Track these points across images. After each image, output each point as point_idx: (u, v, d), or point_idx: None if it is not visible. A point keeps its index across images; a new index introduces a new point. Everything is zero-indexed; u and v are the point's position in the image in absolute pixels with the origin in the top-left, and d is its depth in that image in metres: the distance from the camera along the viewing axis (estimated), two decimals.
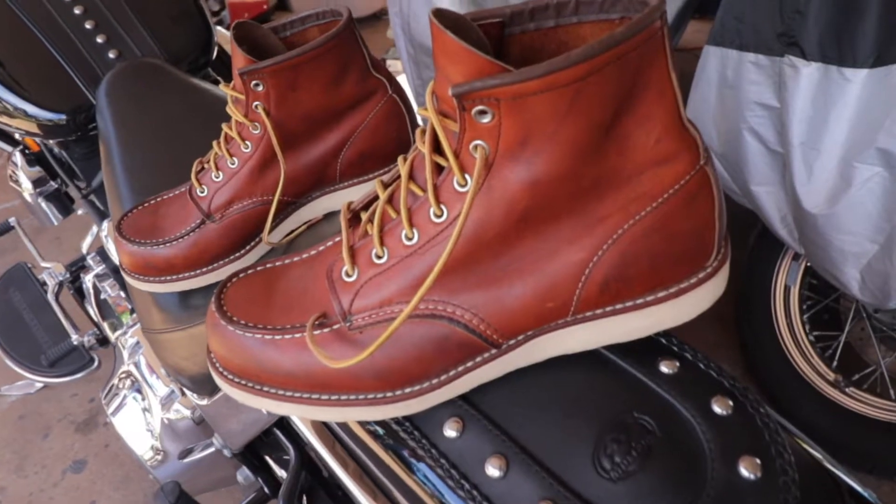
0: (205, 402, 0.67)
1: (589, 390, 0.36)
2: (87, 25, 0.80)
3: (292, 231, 0.61)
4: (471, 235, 0.32)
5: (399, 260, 0.34)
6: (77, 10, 0.80)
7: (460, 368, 0.36)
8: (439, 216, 0.33)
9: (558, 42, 0.34)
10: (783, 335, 1.15)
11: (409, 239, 0.34)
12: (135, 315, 0.98)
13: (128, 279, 0.61)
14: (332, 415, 0.37)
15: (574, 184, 0.31)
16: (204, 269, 0.59)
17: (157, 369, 0.88)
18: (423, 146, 0.34)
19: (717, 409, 0.35)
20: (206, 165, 0.59)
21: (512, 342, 0.35)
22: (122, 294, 1.06)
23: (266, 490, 0.82)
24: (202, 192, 0.58)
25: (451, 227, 0.32)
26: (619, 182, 0.31)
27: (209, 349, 0.41)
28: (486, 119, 0.29)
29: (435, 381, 0.36)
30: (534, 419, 0.35)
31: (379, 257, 0.35)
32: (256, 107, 0.53)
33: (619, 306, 0.35)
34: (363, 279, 0.35)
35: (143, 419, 0.88)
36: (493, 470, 0.34)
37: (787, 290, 1.17)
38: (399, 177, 0.37)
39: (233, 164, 0.56)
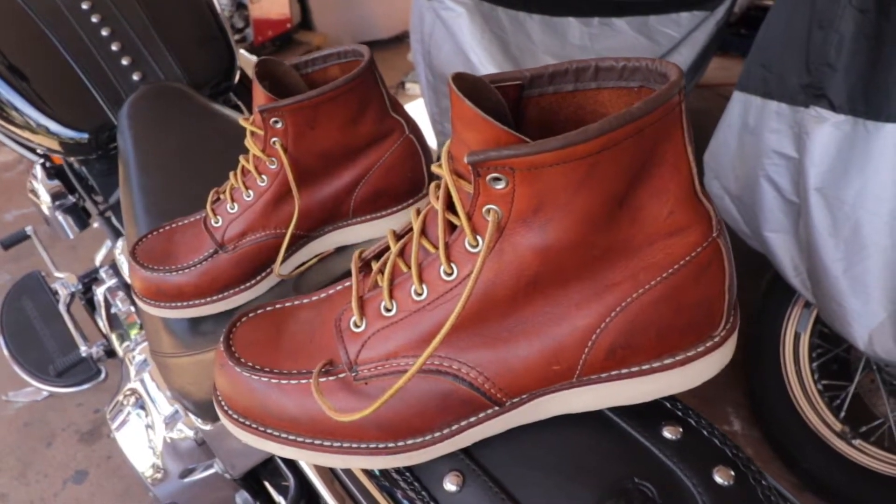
0: (208, 427, 0.67)
1: (591, 452, 0.36)
2: (114, 48, 0.82)
3: (302, 264, 0.62)
4: (480, 296, 0.32)
5: (408, 314, 0.34)
6: (105, 32, 0.82)
7: (462, 423, 0.36)
8: (449, 274, 0.33)
9: (576, 106, 0.35)
10: (791, 382, 1.14)
11: (419, 294, 0.34)
12: (143, 332, 0.99)
13: (139, 303, 0.62)
14: (335, 461, 0.38)
15: (585, 251, 0.31)
16: (214, 298, 0.60)
17: (163, 389, 0.88)
18: (436, 203, 0.34)
19: (718, 479, 0.34)
20: (221, 196, 0.60)
21: (515, 400, 0.35)
22: (132, 309, 1.07)
23: None
24: (216, 223, 0.58)
25: (461, 286, 0.33)
26: (630, 251, 0.32)
27: (215, 388, 0.42)
28: (500, 186, 0.29)
29: (437, 434, 0.36)
30: (534, 479, 0.35)
31: (388, 310, 0.35)
32: (274, 143, 0.54)
33: (624, 371, 0.35)
34: (371, 330, 0.35)
35: (145, 437, 0.89)
36: None
37: (797, 336, 1.16)
38: (411, 229, 0.38)
39: (248, 196, 0.57)
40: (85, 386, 1.19)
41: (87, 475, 1.21)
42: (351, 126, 0.55)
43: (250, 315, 0.42)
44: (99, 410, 1.37)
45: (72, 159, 0.92)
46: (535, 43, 1.27)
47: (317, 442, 0.37)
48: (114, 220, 0.95)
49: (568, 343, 0.33)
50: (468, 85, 0.31)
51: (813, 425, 1.10)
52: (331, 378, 0.36)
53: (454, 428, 0.36)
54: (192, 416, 0.70)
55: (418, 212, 0.36)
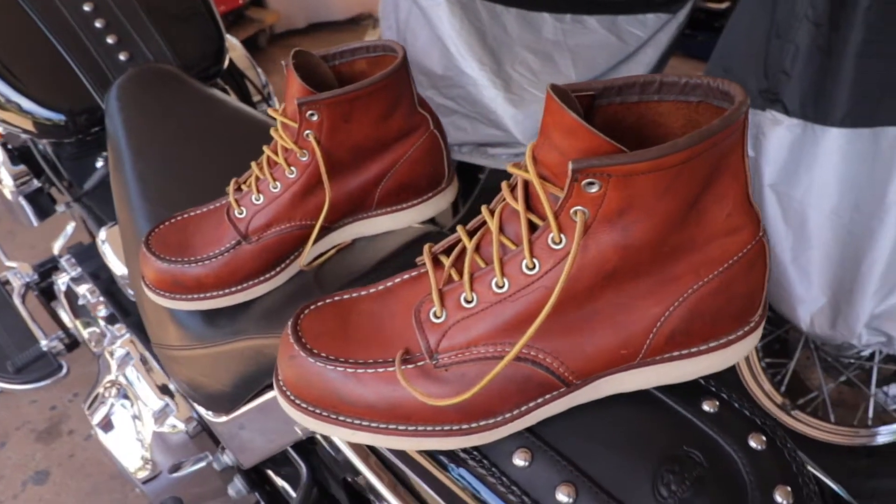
0: (221, 419, 0.68)
1: (643, 426, 0.41)
2: (98, 24, 0.79)
3: (321, 255, 0.63)
4: (562, 289, 0.36)
5: (488, 305, 0.37)
6: (87, 7, 0.79)
7: (531, 404, 0.39)
8: (531, 269, 0.36)
9: (638, 115, 0.38)
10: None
11: (500, 287, 0.37)
12: (119, 325, 0.96)
13: (151, 295, 0.61)
14: (408, 444, 0.40)
15: (658, 248, 0.35)
16: (233, 289, 0.60)
17: (151, 382, 0.87)
18: (515, 203, 0.37)
19: (753, 444, 0.39)
20: (244, 187, 0.60)
21: (579, 382, 0.39)
22: (101, 299, 1.04)
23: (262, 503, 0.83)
24: (240, 214, 0.59)
25: (543, 279, 0.36)
26: (692, 248, 0.36)
27: (280, 379, 0.43)
28: (593, 189, 0.33)
29: (508, 415, 0.39)
30: (596, 452, 0.39)
31: (468, 302, 0.38)
32: (307, 135, 0.55)
33: (675, 353, 0.39)
34: (451, 321, 0.38)
35: (132, 430, 0.87)
36: (563, 497, 0.38)
37: None
38: (482, 225, 0.40)
39: (275, 188, 0.58)
40: (45, 382, 1.14)
41: (49, 475, 1.16)
42: (383, 121, 0.56)
43: (312, 308, 0.44)
44: (55, 407, 1.31)
45: (44, 142, 0.88)
46: (511, 35, 1.31)
47: (391, 426, 0.40)
48: (93, 206, 0.92)
49: (636, 330, 0.37)
50: (560, 94, 0.34)
51: (757, 398, 1.21)
52: (410, 366, 0.39)
53: (523, 409, 0.39)
54: (203, 411, 0.70)
55: (491, 211, 0.39)
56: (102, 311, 1.04)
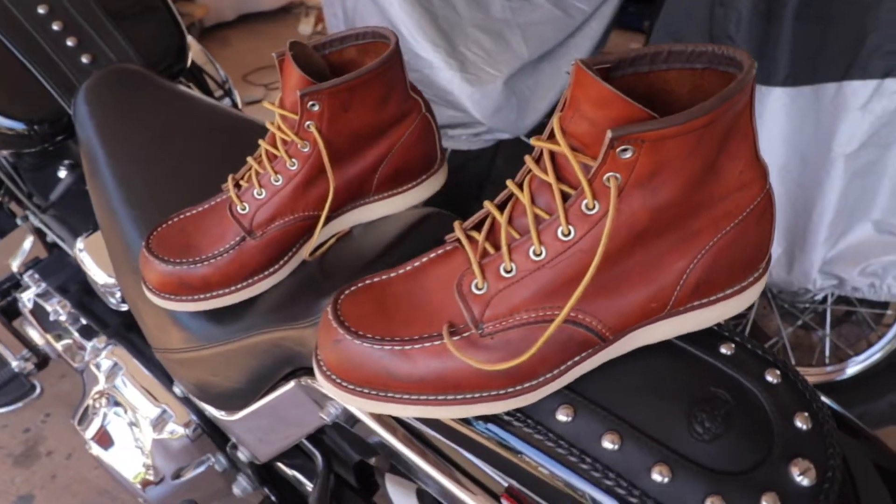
0: (235, 416, 0.68)
1: (670, 373, 0.44)
2: (55, 27, 0.76)
3: (322, 244, 0.64)
4: (596, 251, 0.38)
5: (528, 273, 0.39)
6: (41, 10, 0.75)
7: (569, 363, 0.42)
8: (567, 235, 0.38)
9: (647, 84, 0.41)
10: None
11: (538, 255, 0.39)
12: (100, 336, 0.93)
13: (156, 299, 0.61)
14: (458, 412, 0.42)
15: (682, 207, 0.38)
16: (240, 286, 0.60)
17: (146, 390, 0.85)
18: (544, 175, 0.39)
19: (769, 379, 0.43)
20: (242, 182, 0.60)
21: (613, 337, 0.42)
22: (74, 312, 1.01)
23: (272, 498, 0.83)
24: (243, 210, 0.59)
25: (579, 244, 0.38)
26: (711, 204, 0.39)
27: (323, 364, 0.44)
28: (626, 155, 0.35)
29: (549, 375, 0.42)
30: (633, 401, 0.42)
31: (507, 271, 0.40)
32: (308, 126, 0.55)
33: (696, 303, 0.42)
34: (493, 291, 0.40)
35: (129, 440, 0.86)
36: (608, 444, 0.40)
37: None
38: (507, 200, 0.42)
39: (277, 181, 0.58)
40: (20, 404, 1.10)
41: (34, 498, 1.12)
42: (380, 107, 0.57)
43: (347, 293, 0.45)
44: (29, 430, 1.26)
45: (3, 154, 0.84)
46: (461, 16, 1.32)
47: (440, 397, 0.42)
48: (66, 217, 0.88)
49: (664, 284, 0.40)
50: (588, 69, 0.36)
51: None
52: (456, 338, 0.40)
53: (562, 368, 0.42)
54: (214, 410, 0.69)
55: (519, 185, 0.41)
56: (76, 324, 1.01)
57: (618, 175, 0.36)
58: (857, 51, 1.02)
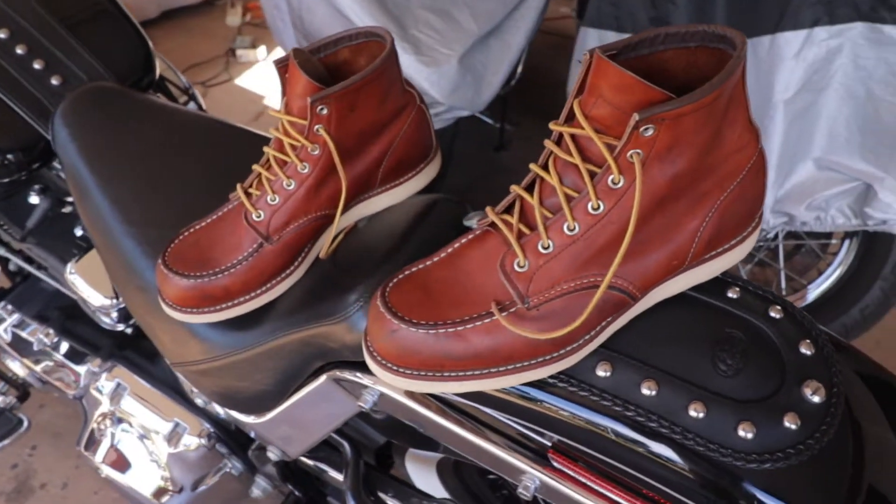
0: (263, 419, 0.69)
1: (689, 320, 0.49)
2: (19, 51, 0.73)
3: (333, 240, 0.66)
4: (624, 221, 0.42)
5: (564, 248, 0.43)
6: (2, 35, 0.73)
7: (604, 323, 0.46)
8: (597, 209, 0.42)
9: (647, 65, 0.45)
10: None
11: (572, 230, 0.43)
12: (95, 360, 0.92)
13: (178, 314, 0.62)
14: (511, 381, 0.46)
15: (694, 173, 0.42)
16: (260, 290, 0.62)
17: (155, 406, 0.85)
18: (570, 157, 0.43)
19: (773, 314, 0.49)
20: (252, 190, 0.61)
21: (640, 295, 0.47)
22: (59, 339, 0.99)
23: (296, 493, 0.86)
24: (258, 217, 0.60)
25: (609, 216, 0.42)
26: (716, 167, 0.44)
27: (377, 354, 0.47)
28: (648, 133, 0.39)
29: (587, 336, 0.46)
30: (662, 350, 0.47)
31: (545, 248, 0.44)
32: (318, 129, 0.57)
33: (706, 256, 0.47)
34: (535, 267, 0.44)
35: (144, 456, 0.86)
36: (647, 391, 0.45)
37: None
38: (532, 183, 0.46)
39: (289, 185, 0.59)
40: (10, 439, 1.08)
41: None
42: (382, 104, 0.59)
43: (391, 286, 0.48)
44: (17, 465, 1.23)
45: None
46: None
47: (493, 370, 0.46)
48: (48, 244, 0.86)
49: (683, 242, 0.45)
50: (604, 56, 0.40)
51: None
52: (505, 313, 0.44)
53: (598, 328, 0.46)
54: (239, 415, 0.71)
55: (544, 167, 0.45)
56: (63, 351, 0.99)
57: (640, 151, 0.40)
58: (787, 4, 1.09)
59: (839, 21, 1.06)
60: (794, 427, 0.43)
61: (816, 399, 0.44)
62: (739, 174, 0.45)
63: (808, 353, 0.47)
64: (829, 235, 1.33)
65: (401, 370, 0.46)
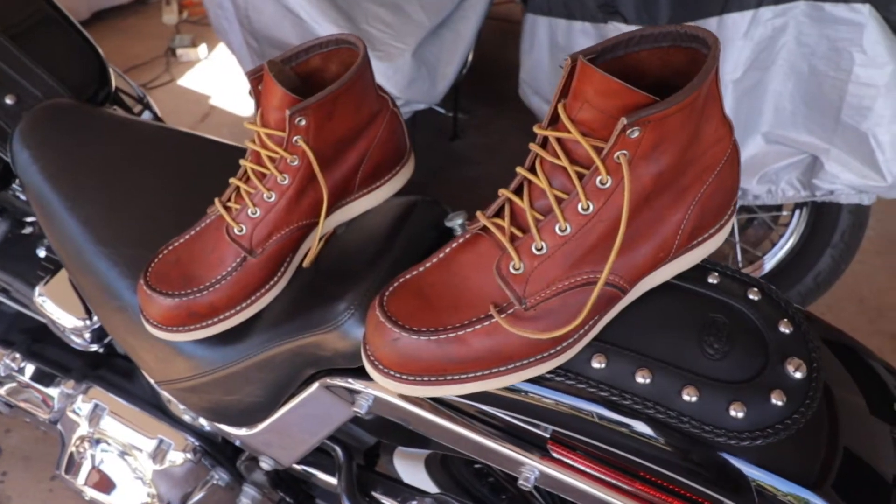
0: (254, 430, 0.69)
1: (674, 308, 0.51)
2: None
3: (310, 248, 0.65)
4: (613, 219, 0.44)
5: (557, 248, 0.45)
6: None
7: (596, 318, 0.48)
8: (586, 210, 0.44)
9: (623, 65, 0.46)
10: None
11: (563, 231, 0.44)
12: (68, 381, 0.90)
13: (163, 334, 0.61)
14: (510, 380, 0.47)
15: (676, 168, 0.44)
16: (245, 304, 0.62)
17: (136, 424, 0.84)
18: (556, 160, 0.44)
19: (752, 297, 0.52)
20: (231, 204, 0.60)
21: (630, 288, 0.48)
22: (26, 364, 0.95)
23: (287, 499, 0.86)
24: (240, 231, 0.59)
25: (599, 215, 0.44)
26: (695, 161, 0.46)
27: (378, 362, 0.47)
28: (635, 135, 0.41)
29: (583, 331, 0.48)
30: (652, 339, 0.49)
31: (539, 250, 0.45)
32: (297, 140, 0.56)
33: (689, 245, 0.50)
34: (530, 269, 0.45)
35: (128, 474, 0.84)
36: (641, 379, 0.47)
37: None
38: (522, 185, 0.47)
39: (270, 197, 0.59)
40: None
41: None
42: (358, 110, 0.59)
43: (387, 294, 0.48)
44: None
45: None
46: None
47: (493, 370, 0.47)
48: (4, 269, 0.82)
49: (668, 235, 0.47)
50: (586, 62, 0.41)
51: None
52: (503, 315, 0.45)
53: (592, 323, 0.48)
54: (230, 428, 0.70)
55: (531, 170, 0.46)
56: (31, 374, 0.96)
57: (626, 152, 0.42)
58: None
59: (783, 0, 1.11)
60: (780, 404, 0.46)
61: (799, 375, 0.47)
62: (717, 166, 0.47)
63: (787, 331, 0.50)
64: (779, 208, 1.39)
65: (404, 377, 0.47)
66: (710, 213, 0.48)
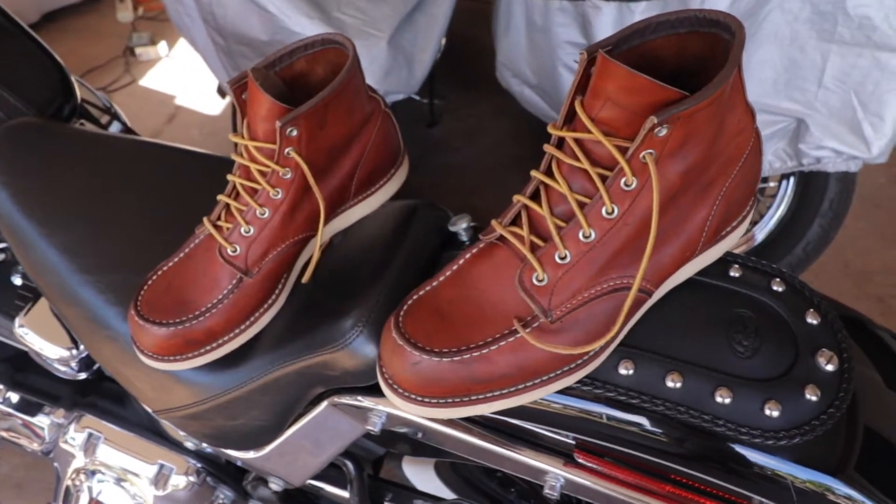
0: (261, 453, 0.66)
1: (698, 305, 0.49)
2: None
3: (308, 262, 0.62)
4: (639, 222, 0.42)
5: (581, 256, 0.42)
6: None
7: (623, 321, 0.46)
8: (611, 213, 0.41)
9: (639, 55, 0.43)
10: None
11: (587, 237, 0.42)
12: (58, 411, 0.86)
13: (158, 364, 0.57)
14: (538, 394, 0.45)
15: (702, 164, 0.42)
16: (244, 326, 0.59)
17: (135, 451, 0.80)
18: (575, 162, 0.41)
19: (776, 288, 0.50)
20: (221, 223, 0.56)
21: (655, 290, 0.46)
22: (9, 392, 0.91)
23: None
24: (234, 251, 0.56)
25: (624, 218, 0.41)
26: (719, 153, 0.43)
27: (399, 387, 0.45)
28: (662, 133, 0.38)
29: (609, 338, 0.45)
30: (679, 340, 0.47)
31: (562, 258, 0.42)
32: (288, 152, 0.53)
33: (714, 240, 0.48)
34: (554, 280, 0.42)
35: (128, 499, 0.81)
36: (671, 384, 0.45)
37: None
38: (538, 189, 0.44)
39: (263, 214, 0.55)
40: None
41: None
42: (350, 115, 0.56)
43: (403, 314, 0.45)
44: None
45: None
46: None
47: (520, 386, 0.44)
48: None
49: (694, 233, 0.44)
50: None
51: None
52: (528, 329, 0.43)
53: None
54: (236, 453, 0.67)
55: (548, 173, 0.43)
56: (17, 404, 0.91)
57: (653, 151, 0.39)
58: None
59: None
60: (814, 399, 0.44)
61: (830, 368, 0.45)
62: (741, 157, 0.45)
63: (815, 322, 0.48)
64: (766, 179, 1.39)
65: (426, 400, 0.44)
66: (735, 205, 0.46)
